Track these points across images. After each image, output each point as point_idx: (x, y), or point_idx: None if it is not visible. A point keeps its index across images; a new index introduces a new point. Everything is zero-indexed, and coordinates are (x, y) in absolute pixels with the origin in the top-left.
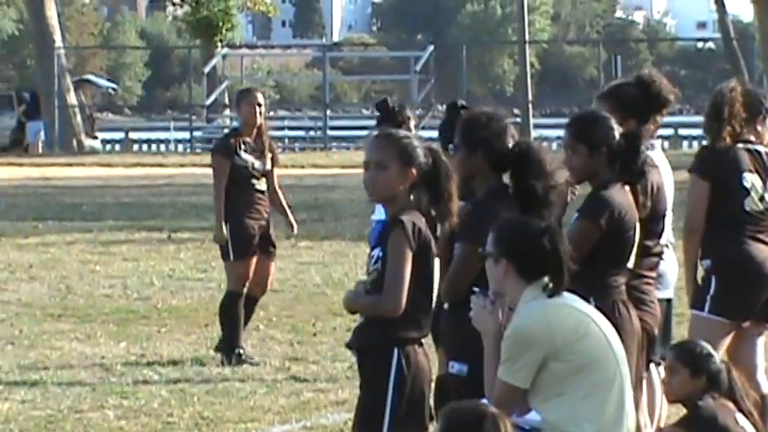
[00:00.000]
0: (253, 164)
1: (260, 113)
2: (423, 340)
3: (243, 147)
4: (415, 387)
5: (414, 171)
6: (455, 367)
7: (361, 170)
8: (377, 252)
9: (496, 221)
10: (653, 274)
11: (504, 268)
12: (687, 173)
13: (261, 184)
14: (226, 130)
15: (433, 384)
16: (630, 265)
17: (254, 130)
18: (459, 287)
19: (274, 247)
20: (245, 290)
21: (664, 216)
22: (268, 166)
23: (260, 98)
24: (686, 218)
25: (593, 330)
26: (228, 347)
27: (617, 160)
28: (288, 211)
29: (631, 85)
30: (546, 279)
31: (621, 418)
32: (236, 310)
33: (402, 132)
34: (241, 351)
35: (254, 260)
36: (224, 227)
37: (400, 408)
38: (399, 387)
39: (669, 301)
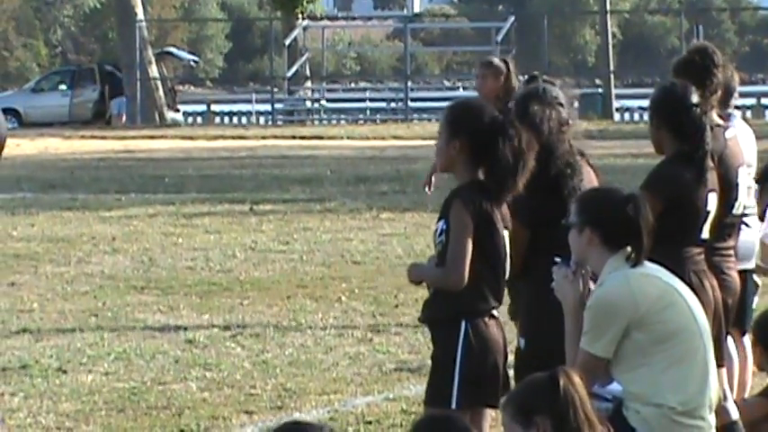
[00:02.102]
0: None
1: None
2: (496, 312)
3: None
4: (483, 358)
5: (459, 142)
6: (520, 341)
7: None
8: (441, 224)
9: (580, 193)
10: (728, 245)
11: (588, 237)
12: None
13: None
14: (308, 103)
15: (511, 356)
16: (705, 235)
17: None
18: (513, 264)
19: None
20: None
21: (735, 186)
22: None
23: (500, 66)
24: None
25: (678, 301)
26: None
27: (685, 134)
28: None
29: (691, 53)
30: (629, 249)
31: (705, 389)
32: None
33: (467, 102)
34: None
35: None
36: None
37: (468, 379)
38: (467, 358)
39: (747, 272)
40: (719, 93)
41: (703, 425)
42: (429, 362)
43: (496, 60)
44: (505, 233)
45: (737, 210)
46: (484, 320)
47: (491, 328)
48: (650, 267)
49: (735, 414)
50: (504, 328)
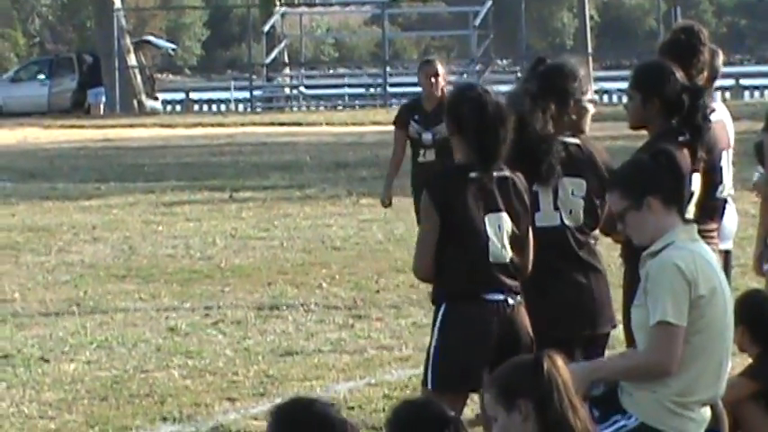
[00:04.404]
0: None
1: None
2: (495, 296)
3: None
4: (459, 342)
5: (452, 124)
6: None
7: None
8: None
9: (614, 173)
10: (713, 226)
11: (651, 206)
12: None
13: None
14: (287, 90)
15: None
16: (690, 215)
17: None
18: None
19: None
20: None
21: (719, 168)
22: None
23: (438, 68)
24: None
25: (718, 296)
26: None
27: (674, 112)
28: None
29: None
30: (696, 226)
31: (714, 385)
32: None
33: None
34: None
35: None
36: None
37: (443, 361)
38: (441, 341)
39: (728, 252)
40: (705, 73)
41: (696, 417)
42: (410, 347)
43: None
44: (502, 215)
45: (721, 192)
46: (465, 304)
47: (473, 312)
48: (707, 250)
49: None
50: (507, 311)
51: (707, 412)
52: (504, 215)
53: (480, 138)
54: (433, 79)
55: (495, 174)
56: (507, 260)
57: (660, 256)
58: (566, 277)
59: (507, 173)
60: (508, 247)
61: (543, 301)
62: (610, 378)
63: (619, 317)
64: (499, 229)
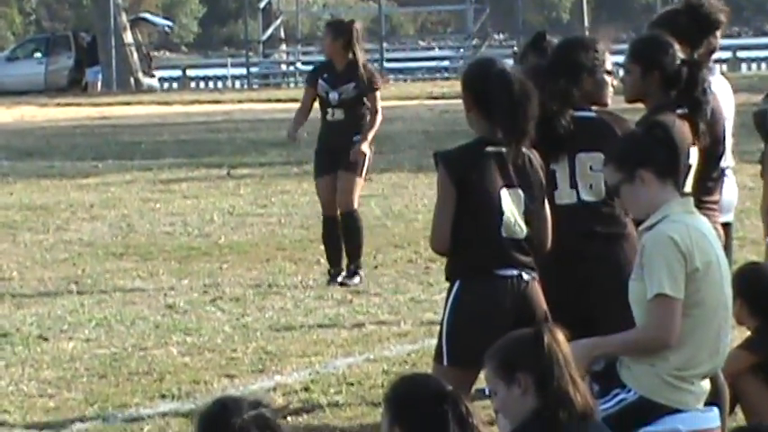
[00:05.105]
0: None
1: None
2: (510, 272)
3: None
4: (472, 317)
5: (471, 100)
6: None
7: (417, 102)
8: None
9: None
10: (713, 199)
11: (644, 179)
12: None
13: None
14: (283, 66)
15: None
16: (688, 189)
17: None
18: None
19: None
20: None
21: (721, 141)
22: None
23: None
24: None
25: (715, 270)
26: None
27: (673, 86)
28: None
29: (681, 11)
30: (691, 199)
31: (713, 359)
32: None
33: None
34: (332, 271)
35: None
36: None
37: (456, 337)
38: (455, 316)
39: (728, 225)
40: (702, 49)
41: (695, 389)
42: (409, 322)
43: (338, 22)
44: (518, 191)
45: (724, 163)
46: (480, 280)
47: (486, 288)
48: (703, 223)
49: None
50: (521, 287)
51: (706, 385)
52: (520, 191)
53: (509, 115)
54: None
55: (512, 150)
56: (522, 236)
57: (655, 230)
58: (586, 254)
59: (523, 149)
60: (523, 223)
61: (562, 279)
62: (610, 354)
63: None
64: (515, 206)
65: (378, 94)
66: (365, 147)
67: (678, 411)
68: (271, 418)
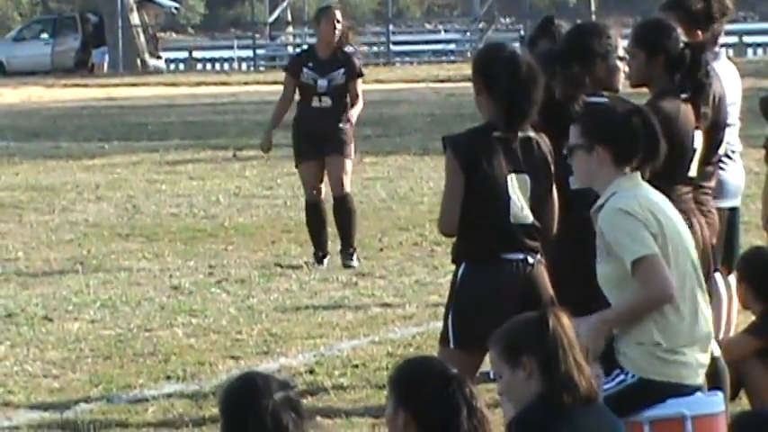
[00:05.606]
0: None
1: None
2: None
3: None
4: (477, 300)
5: (481, 83)
6: None
7: (423, 84)
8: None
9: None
10: (710, 184)
11: (600, 155)
12: None
13: (323, 102)
14: (290, 48)
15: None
16: (693, 173)
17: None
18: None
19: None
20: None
21: (725, 126)
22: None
23: (338, 15)
24: None
25: (675, 237)
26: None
27: (677, 70)
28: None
29: None
30: (639, 174)
31: (695, 327)
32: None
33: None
34: (319, 254)
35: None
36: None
37: (460, 319)
38: (460, 299)
39: (735, 209)
40: (708, 34)
41: (688, 361)
42: (414, 305)
43: (331, 9)
44: (525, 176)
45: (726, 148)
46: (486, 263)
47: (492, 271)
48: (657, 195)
49: (716, 351)
50: (527, 270)
51: (703, 357)
52: (527, 176)
53: (511, 98)
54: (336, 24)
55: (519, 134)
56: (529, 221)
57: (605, 208)
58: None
59: (531, 134)
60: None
61: (571, 262)
62: (619, 324)
63: None
64: (522, 191)
65: (360, 80)
66: (350, 130)
67: (680, 393)
68: (298, 401)
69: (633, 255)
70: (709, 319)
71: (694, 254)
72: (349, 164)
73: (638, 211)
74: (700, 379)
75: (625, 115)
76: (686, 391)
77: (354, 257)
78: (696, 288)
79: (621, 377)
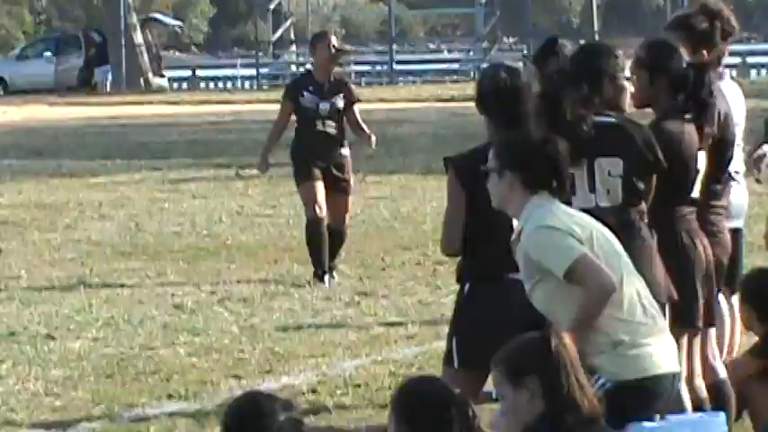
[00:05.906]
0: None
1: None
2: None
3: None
4: (479, 322)
5: (478, 105)
6: None
7: (427, 104)
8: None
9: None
10: (721, 203)
11: (509, 181)
12: None
13: (327, 126)
14: (293, 67)
15: None
16: (696, 194)
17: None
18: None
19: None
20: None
21: (733, 143)
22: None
23: (334, 40)
24: None
25: (599, 238)
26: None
27: (681, 90)
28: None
29: (700, 16)
30: (547, 192)
31: (650, 320)
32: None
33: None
34: (319, 272)
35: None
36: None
37: (463, 340)
38: (463, 320)
39: (738, 230)
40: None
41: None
42: (417, 325)
43: (328, 35)
44: None
45: (734, 168)
46: (490, 283)
47: (497, 292)
48: (562, 205)
49: (723, 373)
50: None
51: (668, 342)
52: None
53: (498, 116)
54: (332, 50)
55: None
56: None
57: (526, 232)
58: None
59: None
60: None
61: None
62: (580, 332)
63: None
64: None
65: (358, 107)
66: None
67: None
68: (302, 421)
69: (564, 264)
70: (657, 308)
71: (621, 249)
72: (351, 200)
73: (559, 223)
74: (675, 366)
75: (537, 143)
76: (665, 382)
77: (334, 274)
78: (636, 282)
79: (602, 381)
